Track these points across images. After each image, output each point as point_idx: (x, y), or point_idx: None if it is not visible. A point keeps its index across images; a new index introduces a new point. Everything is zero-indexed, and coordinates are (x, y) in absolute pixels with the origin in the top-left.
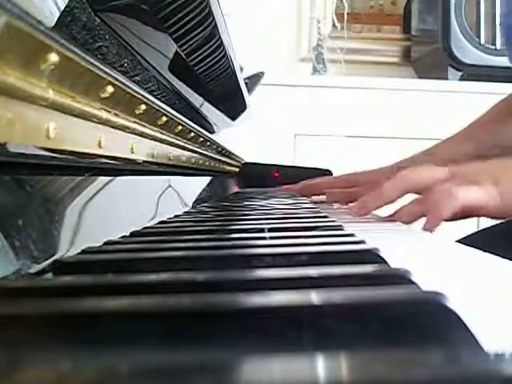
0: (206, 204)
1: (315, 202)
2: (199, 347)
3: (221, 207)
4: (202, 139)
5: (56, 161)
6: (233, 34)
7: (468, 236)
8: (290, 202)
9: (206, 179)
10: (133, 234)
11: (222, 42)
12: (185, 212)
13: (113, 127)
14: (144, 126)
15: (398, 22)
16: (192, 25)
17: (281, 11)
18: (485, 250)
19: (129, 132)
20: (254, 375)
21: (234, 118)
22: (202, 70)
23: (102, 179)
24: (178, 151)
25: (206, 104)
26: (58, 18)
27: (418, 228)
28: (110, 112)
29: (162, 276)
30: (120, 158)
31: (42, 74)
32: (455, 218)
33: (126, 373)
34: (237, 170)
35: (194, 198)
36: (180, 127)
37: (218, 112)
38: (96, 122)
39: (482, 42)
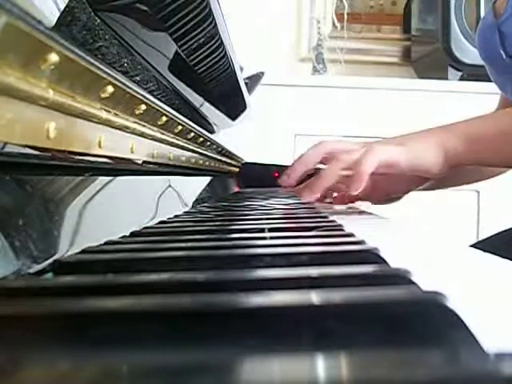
0: (205, 204)
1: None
2: (199, 347)
3: (221, 207)
4: (201, 139)
5: (56, 161)
6: (233, 34)
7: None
8: (290, 202)
9: (206, 179)
10: (133, 234)
11: (222, 41)
12: (185, 212)
13: (113, 127)
14: (144, 126)
15: (398, 22)
16: (192, 25)
17: (281, 11)
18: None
19: (129, 132)
20: (254, 375)
21: (234, 118)
22: (202, 70)
23: (102, 179)
24: (178, 151)
25: (206, 104)
26: (58, 18)
27: (418, 228)
28: (109, 112)
29: (161, 276)
30: (120, 158)
31: (42, 74)
32: (381, 187)
33: (125, 373)
34: (237, 170)
35: (194, 198)
36: (180, 127)
37: (217, 112)
38: (96, 122)
39: None
